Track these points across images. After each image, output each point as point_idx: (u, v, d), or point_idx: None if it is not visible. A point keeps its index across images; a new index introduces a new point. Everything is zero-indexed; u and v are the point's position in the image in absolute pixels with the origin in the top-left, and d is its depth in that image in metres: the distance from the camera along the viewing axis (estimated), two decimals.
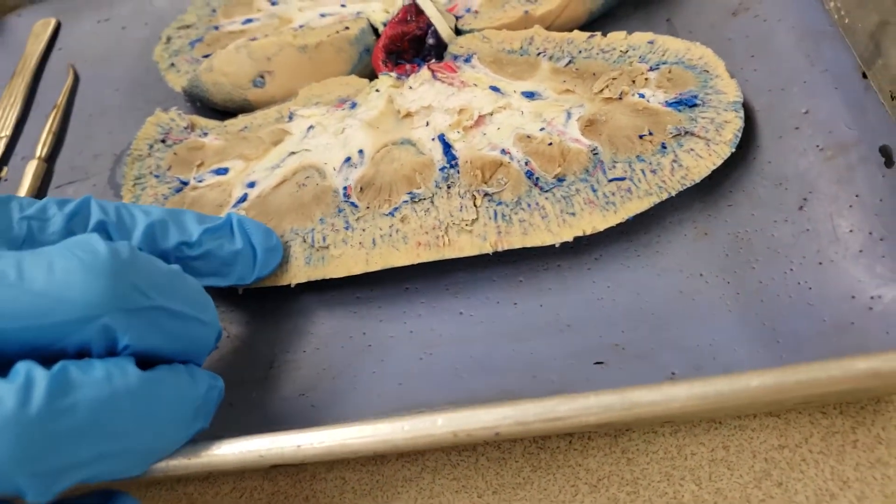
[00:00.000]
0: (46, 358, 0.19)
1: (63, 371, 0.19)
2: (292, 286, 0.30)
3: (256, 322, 0.31)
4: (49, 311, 0.19)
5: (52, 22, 0.49)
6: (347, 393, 0.28)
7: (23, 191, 0.38)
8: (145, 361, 0.21)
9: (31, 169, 0.39)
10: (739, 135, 0.30)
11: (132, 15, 0.48)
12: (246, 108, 0.38)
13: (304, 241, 0.31)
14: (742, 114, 0.30)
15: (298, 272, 0.30)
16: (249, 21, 0.41)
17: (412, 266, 0.30)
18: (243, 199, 0.32)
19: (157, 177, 0.34)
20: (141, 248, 0.25)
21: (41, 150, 0.40)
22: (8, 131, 0.42)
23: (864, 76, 0.30)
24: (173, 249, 0.26)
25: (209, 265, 0.27)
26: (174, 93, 0.41)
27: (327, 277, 0.30)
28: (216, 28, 0.41)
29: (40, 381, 0.18)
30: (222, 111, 0.39)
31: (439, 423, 0.21)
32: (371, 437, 0.21)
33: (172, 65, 0.40)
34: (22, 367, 0.19)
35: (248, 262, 0.28)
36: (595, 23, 0.37)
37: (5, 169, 0.41)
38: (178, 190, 0.34)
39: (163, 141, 0.36)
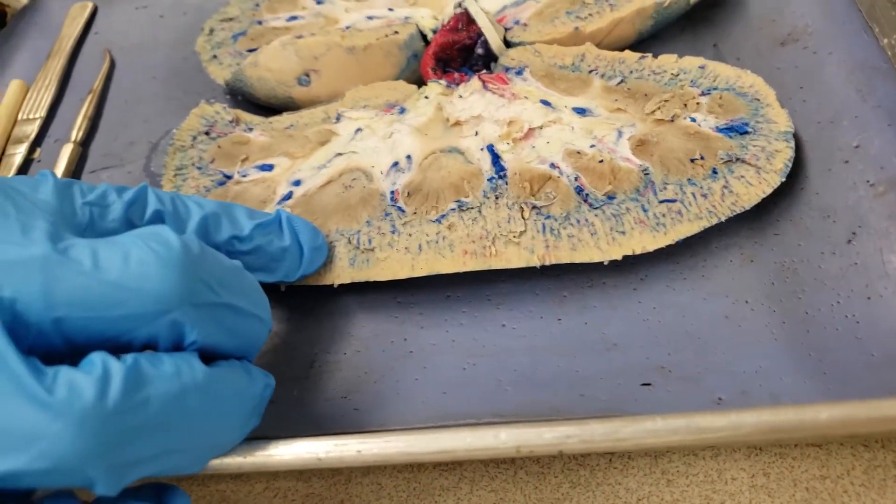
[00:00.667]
0: (113, 349, 0.19)
1: (136, 364, 0.19)
2: (335, 286, 0.30)
3: (298, 320, 0.31)
4: (123, 302, 0.19)
5: (90, 6, 0.48)
6: (390, 398, 0.27)
7: (58, 173, 0.38)
8: (205, 357, 0.21)
9: (66, 152, 0.39)
10: (790, 164, 0.30)
11: (171, 4, 0.48)
12: (289, 105, 0.37)
13: (350, 242, 0.30)
14: (793, 144, 0.30)
15: (342, 273, 0.30)
16: (294, 18, 0.41)
17: (455, 275, 0.30)
18: (288, 196, 0.32)
19: (199, 168, 0.34)
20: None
21: (76, 133, 0.40)
22: (42, 112, 0.42)
23: None
24: (224, 243, 0.26)
25: (258, 260, 0.27)
26: (212, 83, 0.41)
27: (371, 280, 0.30)
28: (259, 23, 0.41)
29: (117, 374, 0.18)
30: (264, 106, 0.39)
31: (503, 438, 0.20)
32: (433, 446, 0.21)
33: (215, 56, 0.40)
34: (97, 359, 0.18)
35: (295, 259, 0.28)
36: (643, 43, 0.38)
37: (38, 150, 0.40)
38: (221, 183, 0.33)
39: (206, 133, 0.35)
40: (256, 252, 0.27)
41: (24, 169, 0.39)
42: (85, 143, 0.40)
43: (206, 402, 0.20)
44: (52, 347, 0.19)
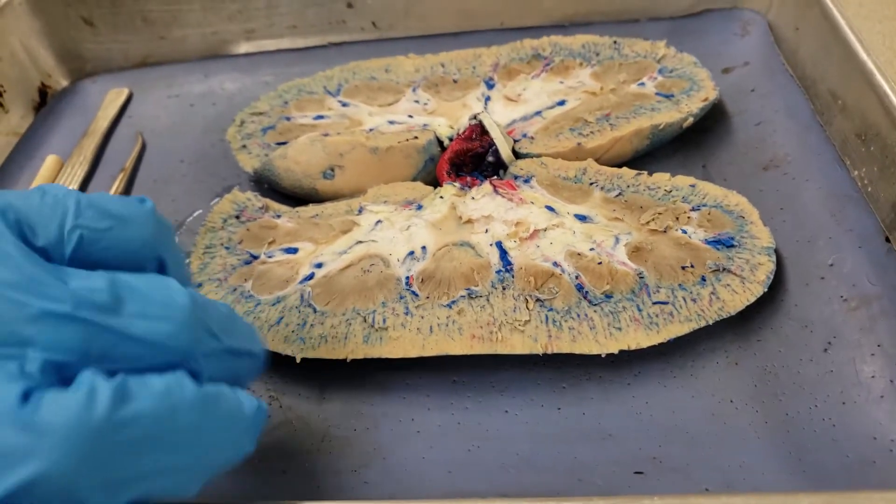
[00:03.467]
0: None
1: (124, 382, 0.19)
2: (348, 361, 0.32)
3: (309, 394, 0.32)
4: (140, 357, 0.20)
5: (125, 92, 0.52)
6: (399, 474, 0.29)
7: None
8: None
9: None
10: (772, 277, 0.33)
11: (202, 94, 0.51)
12: (312, 196, 0.40)
13: (365, 320, 0.32)
14: (774, 258, 0.33)
15: (357, 349, 0.32)
16: (320, 117, 0.45)
17: (460, 360, 0.32)
18: (310, 277, 0.34)
19: (227, 248, 0.36)
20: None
21: None
22: (75, 186, 0.44)
23: (888, 240, 0.33)
24: None
25: None
26: (236, 169, 0.44)
27: (384, 357, 0.32)
28: (288, 119, 0.45)
29: (103, 391, 0.19)
30: (288, 195, 0.41)
31: None
32: None
33: (244, 146, 0.43)
34: (85, 377, 0.19)
35: None
36: (639, 160, 0.41)
37: None
38: (248, 262, 0.36)
39: (237, 217, 0.38)
40: None
41: None
42: None
43: (197, 419, 0.20)
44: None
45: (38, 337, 0.19)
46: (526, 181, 0.38)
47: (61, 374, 0.19)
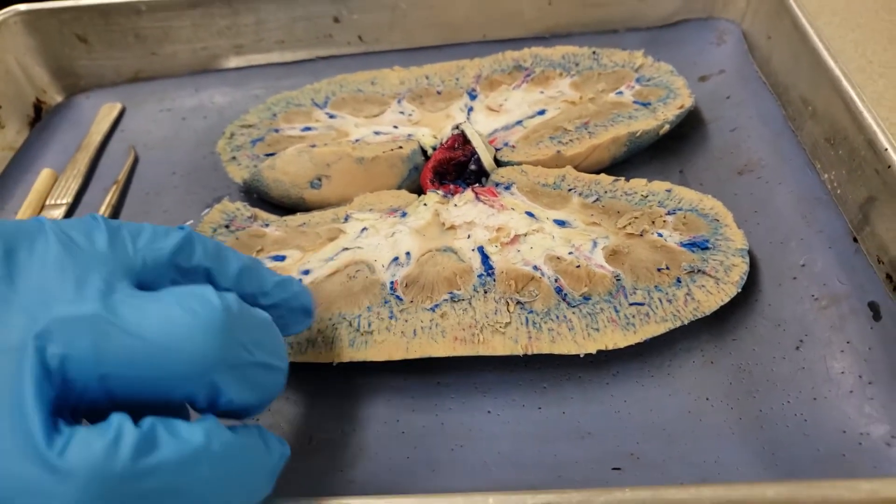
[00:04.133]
0: (151, 405, 0.21)
1: (151, 430, 0.19)
2: (334, 364, 0.33)
3: (297, 398, 0.33)
4: (166, 363, 0.20)
5: (118, 107, 0.53)
6: (383, 474, 0.30)
7: None
8: (227, 412, 0.23)
9: None
10: (745, 278, 0.34)
11: (193, 108, 0.52)
12: (300, 205, 0.41)
13: (351, 325, 0.33)
14: (748, 260, 0.34)
15: (342, 352, 0.33)
16: (308, 129, 0.46)
17: (444, 362, 0.33)
18: None
19: None
20: (231, 289, 0.26)
21: None
22: (69, 199, 0.45)
23: (855, 240, 0.34)
24: (249, 296, 0.27)
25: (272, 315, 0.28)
26: (227, 181, 0.45)
27: (369, 360, 0.33)
28: (276, 131, 0.46)
29: (128, 438, 0.19)
30: (277, 205, 0.42)
31: (490, 502, 0.23)
32: None
33: (234, 158, 0.44)
34: (115, 421, 0.19)
35: (298, 319, 0.29)
36: (616, 167, 0.43)
37: None
38: None
39: (226, 226, 0.39)
40: (273, 308, 0.28)
41: None
42: None
43: (220, 471, 0.21)
44: (95, 401, 0.20)
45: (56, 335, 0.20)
46: (507, 188, 0.39)
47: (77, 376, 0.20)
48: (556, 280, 0.34)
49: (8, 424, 0.19)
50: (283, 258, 0.37)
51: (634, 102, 0.43)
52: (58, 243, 0.22)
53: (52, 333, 0.20)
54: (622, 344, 0.32)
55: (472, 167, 0.41)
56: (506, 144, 0.42)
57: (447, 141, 0.41)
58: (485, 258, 0.36)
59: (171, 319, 0.21)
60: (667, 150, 0.43)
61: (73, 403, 0.20)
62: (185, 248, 0.25)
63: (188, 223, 0.43)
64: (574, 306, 0.33)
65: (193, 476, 0.20)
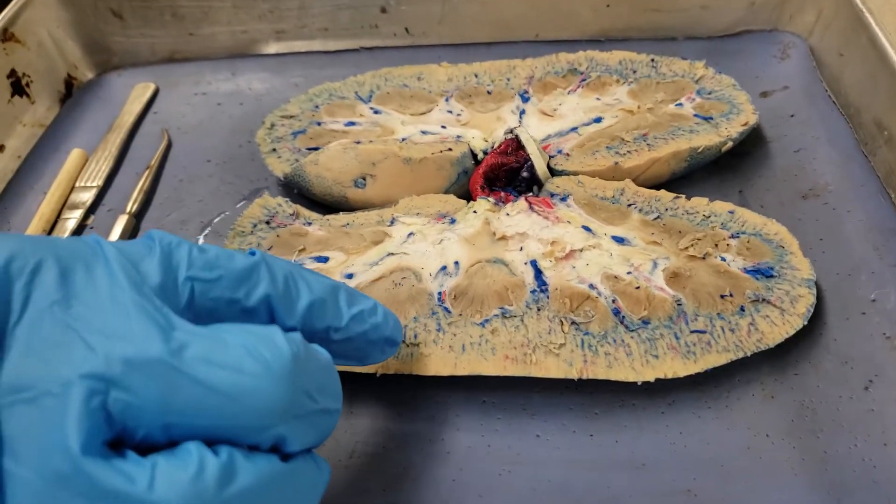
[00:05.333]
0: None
1: (231, 459, 0.19)
2: (378, 375, 0.31)
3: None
4: (233, 415, 0.19)
5: (152, 87, 0.51)
6: (429, 497, 0.28)
7: None
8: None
9: (120, 222, 0.40)
10: (812, 310, 0.32)
11: (230, 93, 0.51)
12: (342, 203, 0.40)
13: None
14: (815, 291, 0.33)
15: (388, 363, 0.31)
16: (352, 124, 0.44)
17: (489, 379, 0.32)
18: None
19: None
20: (297, 327, 0.25)
21: (131, 206, 0.42)
22: (99, 181, 0.44)
23: None
24: (321, 331, 0.25)
25: (342, 349, 0.26)
26: (263, 172, 0.44)
27: (415, 373, 0.31)
28: (318, 124, 0.44)
29: (211, 468, 0.19)
30: (317, 202, 0.41)
31: None
32: None
33: (274, 150, 0.43)
34: (194, 451, 0.19)
35: (379, 350, 0.28)
36: (675, 182, 0.41)
37: (92, 217, 0.42)
38: None
39: (267, 222, 0.38)
40: (346, 342, 0.26)
41: (76, 234, 0.41)
42: (138, 216, 0.42)
43: (287, 494, 0.21)
44: (153, 439, 0.19)
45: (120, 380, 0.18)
46: (563, 199, 0.38)
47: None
48: (613, 301, 0.33)
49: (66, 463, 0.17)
50: (325, 259, 0.35)
51: (695, 115, 0.41)
52: (117, 267, 0.20)
53: (116, 376, 0.18)
54: (682, 373, 0.31)
55: (525, 174, 0.39)
56: (559, 152, 0.41)
57: (500, 145, 0.40)
58: (538, 273, 0.34)
59: (241, 369, 0.20)
60: (726, 168, 0.41)
61: (125, 439, 0.19)
62: (248, 280, 0.23)
63: (223, 215, 0.42)
64: (633, 330, 0.32)
65: (267, 502, 0.20)
